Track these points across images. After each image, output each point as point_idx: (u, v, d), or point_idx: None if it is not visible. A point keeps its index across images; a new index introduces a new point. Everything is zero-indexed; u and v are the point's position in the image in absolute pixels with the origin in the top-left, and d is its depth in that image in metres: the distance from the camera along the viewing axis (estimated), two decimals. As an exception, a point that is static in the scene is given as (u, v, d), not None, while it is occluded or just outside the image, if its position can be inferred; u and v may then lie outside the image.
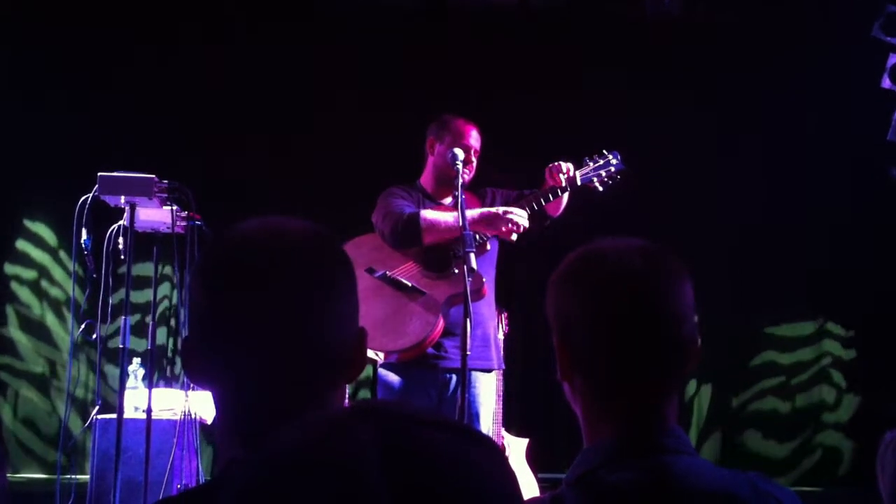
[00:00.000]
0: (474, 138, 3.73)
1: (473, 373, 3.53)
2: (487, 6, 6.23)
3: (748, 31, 6.12)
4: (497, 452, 0.69)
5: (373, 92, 6.03)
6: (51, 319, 6.03)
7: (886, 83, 5.16)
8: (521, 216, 3.55)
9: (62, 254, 6.08)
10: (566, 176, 3.61)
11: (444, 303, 3.54)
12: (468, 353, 3.25)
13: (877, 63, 5.29)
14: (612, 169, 3.70)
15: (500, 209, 3.57)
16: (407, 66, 6.05)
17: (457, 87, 5.78)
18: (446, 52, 6.11)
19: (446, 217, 3.59)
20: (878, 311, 6.04)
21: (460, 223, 3.31)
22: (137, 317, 5.59)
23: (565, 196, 3.68)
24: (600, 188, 3.70)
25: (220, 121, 5.93)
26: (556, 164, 3.63)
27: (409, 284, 3.57)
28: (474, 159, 3.72)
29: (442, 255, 3.61)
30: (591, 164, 3.70)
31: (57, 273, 6.10)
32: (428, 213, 3.62)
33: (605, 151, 3.73)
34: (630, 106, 5.87)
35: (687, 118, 5.94)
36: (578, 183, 3.64)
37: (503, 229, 3.55)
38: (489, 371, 3.69)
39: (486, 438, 0.70)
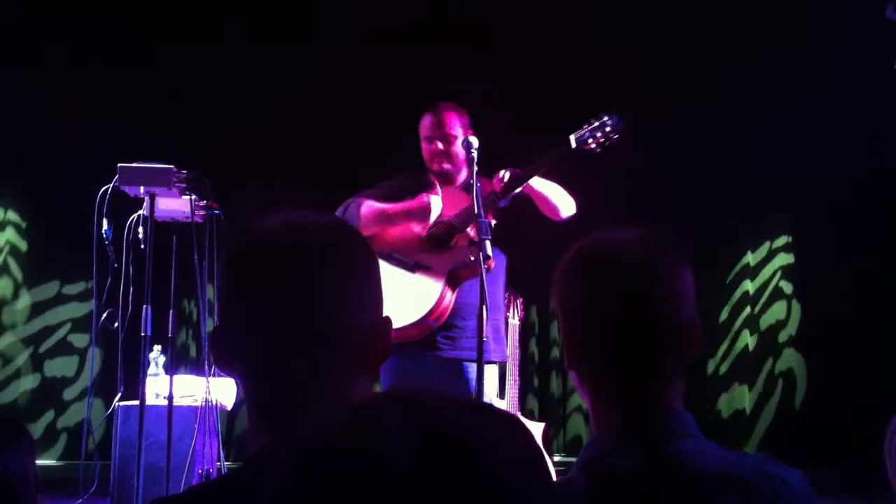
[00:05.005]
0: (441, 125, 3.70)
1: (470, 364, 3.49)
2: (486, 4, 6.24)
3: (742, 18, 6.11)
4: (524, 431, 0.71)
5: (375, 84, 6.07)
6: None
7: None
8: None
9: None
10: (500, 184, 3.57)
11: (446, 278, 3.53)
12: (454, 340, 3.34)
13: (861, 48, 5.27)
14: (609, 129, 3.56)
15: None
16: (407, 63, 6.08)
17: (457, 86, 5.79)
18: (446, 50, 6.13)
19: (384, 206, 3.60)
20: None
21: (476, 209, 3.28)
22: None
23: (552, 195, 3.62)
24: (597, 150, 3.57)
25: (219, 120, 5.99)
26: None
27: (411, 262, 3.59)
28: (441, 144, 3.70)
29: (442, 229, 3.62)
30: (587, 126, 3.58)
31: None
32: (368, 204, 3.61)
33: (601, 113, 3.60)
34: (631, 100, 5.88)
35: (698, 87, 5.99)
36: (573, 146, 3.55)
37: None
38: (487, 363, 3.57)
39: (512, 417, 0.71)
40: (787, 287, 6.45)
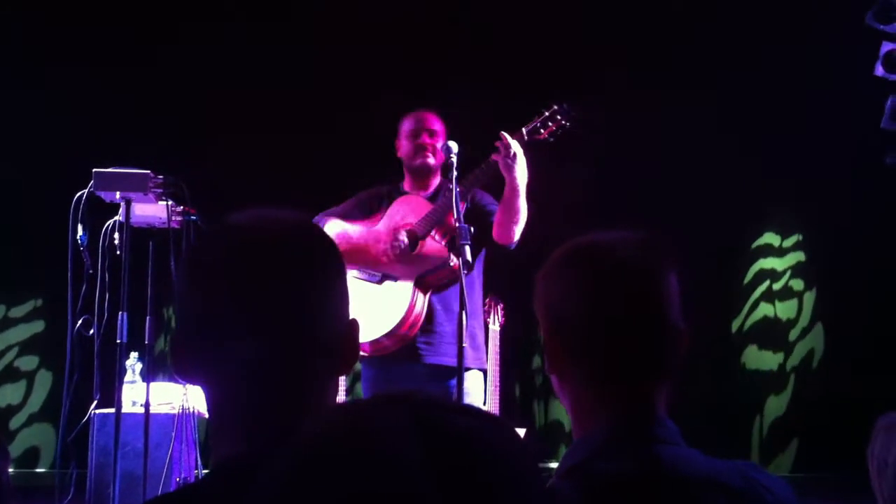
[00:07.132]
0: (424, 120, 3.72)
1: (449, 370, 3.48)
2: (486, 4, 6.24)
3: (744, 18, 6.13)
4: (519, 437, 0.71)
5: (375, 89, 6.06)
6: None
7: (879, 71, 5.15)
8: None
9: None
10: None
11: (415, 285, 3.52)
12: (434, 346, 3.37)
13: (870, 51, 5.29)
14: (559, 117, 3.57)
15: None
16: (407, 63, 6.07)
17: (457, 86, 5.78)
18: (446, 51, 6.12)
19: (342, 228, 3.62)
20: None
21: (455, 215, 3.28)
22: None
23: (516, 216, 3.51)
24: (550, 139, 3.58)
25: (218, 121, 5.96)
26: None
27: (378, 274, 3.59)
28: (431, 141, 3.70)
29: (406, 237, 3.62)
30: (537, 117, 3.60)
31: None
32: (333, 223, 3.64)
33: (551, 102, 3.62)
34: (631, 100, 5.88)
35: (686, 104, 5.99)
36: (525, 138, 3.53)
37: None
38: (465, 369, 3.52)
39: (507, 423, 0.71)
40: (797, 284, 6.49)
